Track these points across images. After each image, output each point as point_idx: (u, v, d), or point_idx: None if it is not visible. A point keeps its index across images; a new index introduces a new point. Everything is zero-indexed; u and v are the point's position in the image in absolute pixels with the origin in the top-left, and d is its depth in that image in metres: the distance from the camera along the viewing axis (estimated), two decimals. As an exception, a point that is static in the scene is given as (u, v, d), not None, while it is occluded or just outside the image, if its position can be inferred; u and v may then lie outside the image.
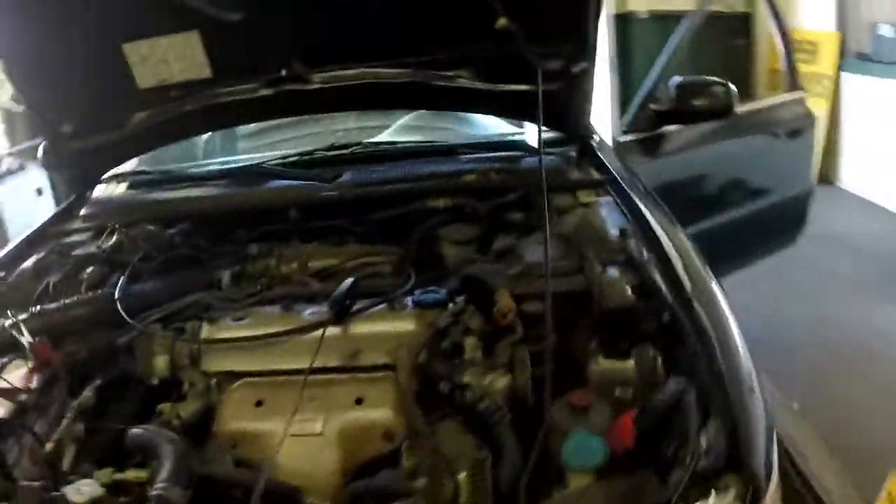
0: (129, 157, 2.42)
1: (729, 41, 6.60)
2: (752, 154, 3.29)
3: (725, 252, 3.27)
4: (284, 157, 2.44)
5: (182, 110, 2.17)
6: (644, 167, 2.90)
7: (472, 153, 2.37)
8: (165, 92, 2.14)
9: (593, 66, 2.08)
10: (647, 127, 2.90)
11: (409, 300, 1.65)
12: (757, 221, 3.33)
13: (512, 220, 2.00)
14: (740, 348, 1.40)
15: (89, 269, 2.02)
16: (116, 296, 1.83)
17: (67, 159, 2.32)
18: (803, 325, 3.82)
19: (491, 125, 2.96)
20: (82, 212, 2.33)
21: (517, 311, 1.55)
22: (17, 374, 1.70)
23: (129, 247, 2.09)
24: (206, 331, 1.70)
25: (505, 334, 1.56)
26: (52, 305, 1.85)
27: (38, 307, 1.83)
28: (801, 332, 3.74)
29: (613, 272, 1.59)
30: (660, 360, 1.50)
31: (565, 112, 2.21)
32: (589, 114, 2.27)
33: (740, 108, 2.86)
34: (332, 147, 2.46)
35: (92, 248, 2.12)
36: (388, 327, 1.61)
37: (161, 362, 1.70)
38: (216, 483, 1.41)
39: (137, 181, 2.54)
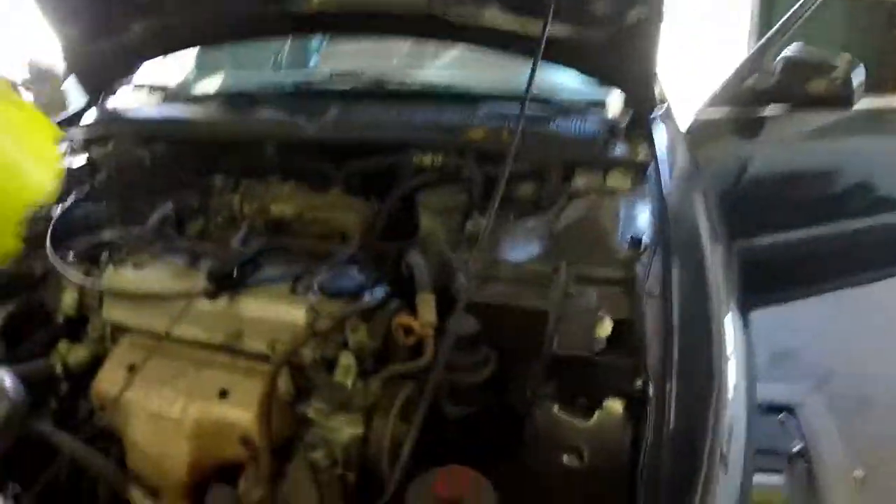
0: (134, 66, 2.10)
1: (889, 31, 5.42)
2: (880, 158, 2.51)
3: (826, 268, 2.59)
4: (278, 86, 2.02)
5: (180, 20, 1.82)
6: (736, 151, 2.28)
7: (504, 106, 1.83)
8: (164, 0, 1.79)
9: (658, 16, 1.49)
10: (743, 103, 2.22)
11: (317, 281, 1.22)
12: (873, 238, 2.57)
13: (514, 195, 1.50)
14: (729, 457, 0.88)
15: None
16: (52, 217, 1.56)
17: (77, 63, 2.05)
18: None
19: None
20: (85, 120, 2.06)
21: (434, 329, 1.08)
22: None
23: (98, 164, 1.79)
24: (108, 273, 1.39)
25: (396, 359, 1.10)
26: None
27: None
28: (889, 384, 2.86)
29: (591, 299, 1.07)
30: (629, 429, 1.00)
31: (617, 68, 1.64)
32: (649, 75, 1.67)
33: (867, 102, 2.12)
34: (330, 78, 2.00)
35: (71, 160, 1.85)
36: (275, 312, 1.20)
37: (69, 299, 1.44)
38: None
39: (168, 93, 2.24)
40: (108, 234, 1.52)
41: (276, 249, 1.38)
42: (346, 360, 1.09)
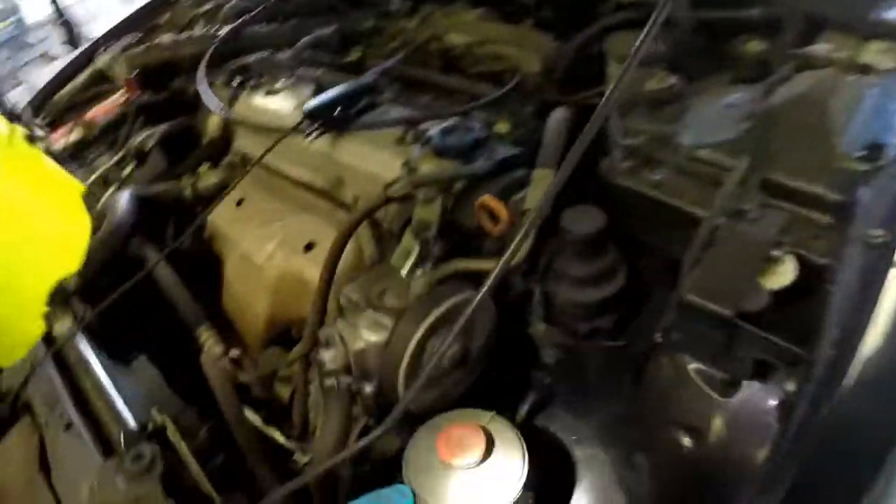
0: None
1: None
2: None
3: None
4: None
5: None
6: None
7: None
8: None
9: None
10: None
11: (434, 132, 0.94)
12: None
13: (736, 51, 1.03)
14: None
15: (230, 4, 1.66)
16: (218, 39, 1.47)
17: None
18: None
19: None
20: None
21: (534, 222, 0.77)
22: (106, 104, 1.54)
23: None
24: (241, 100, 1.28)
25: (466, 250, 0.81)
26: (168, 40, 1.55)
27: (157, 40, 1.56)
28: None
29: (773, 223, 0.68)
30: (779, 427, 0.64)
31: None
32: None
33: None
34: None
35: None
36: (371, 161, 0.98)
37: (213, 123, 1.36)
38: None
39: None
40: (254, 59, 1.38)
41: (414, 86, 1.13)
42: (407, 241, 0.84)
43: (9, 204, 0.47)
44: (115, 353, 0.98)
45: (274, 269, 1.03)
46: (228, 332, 1.11)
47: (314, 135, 1.02)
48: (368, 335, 0.78)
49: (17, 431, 0.83)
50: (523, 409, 0.87)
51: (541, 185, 0.81)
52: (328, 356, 0.76)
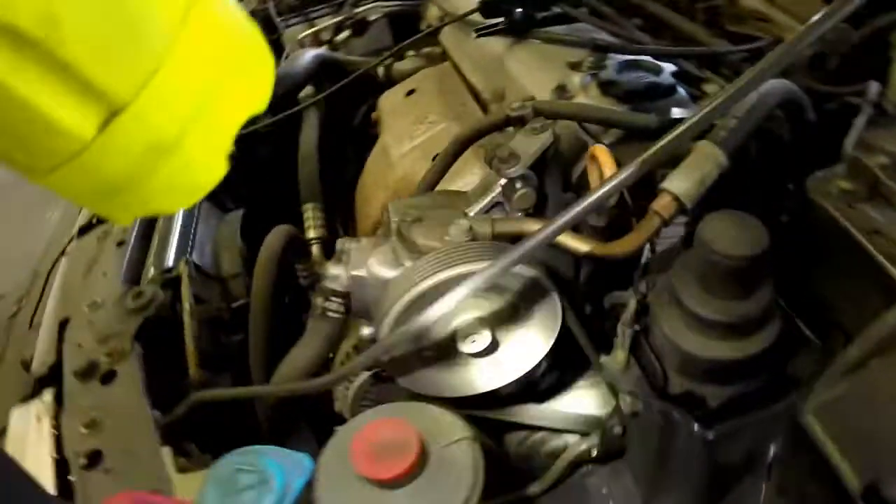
0: None
1: None
2: None
3: None
4: None
5: None
6: None
7: None
8: None
9: None
10: None
11: (612, 62, 0.75)
12: None
13: None
14: None
15: None
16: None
17: None
18: None
19: None
20: None
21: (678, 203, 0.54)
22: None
23: None
24: None
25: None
26: None
27: None
28: None
29: None
30: None
31: None
32: None
33: None
34: None
35: None
36: (535, 79, 0.82)
37: (433, 12, 1.28)
38: None
39: None
40: None
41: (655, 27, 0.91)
42: (493, 175, 0.64)
43: (200, 41, 0.41)
44: (222, 199, 0.97)
45: (401, 169, 0.93)
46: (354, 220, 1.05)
47: (483, 32, 0.86)
48: (375, 265, 0.62)
49: (94, 234, 0.86)
50: (576, 449, 0.67)
51: (695, 162, 0.56)
52: (330, 272, 0.62)
